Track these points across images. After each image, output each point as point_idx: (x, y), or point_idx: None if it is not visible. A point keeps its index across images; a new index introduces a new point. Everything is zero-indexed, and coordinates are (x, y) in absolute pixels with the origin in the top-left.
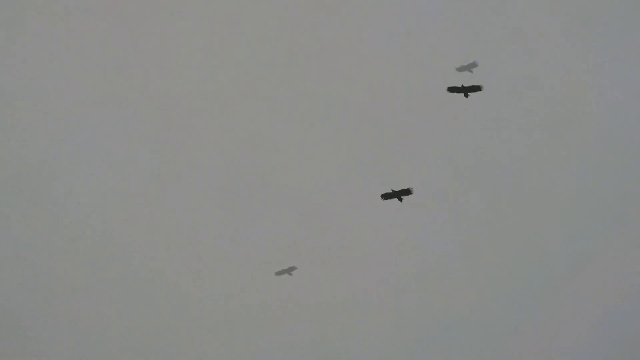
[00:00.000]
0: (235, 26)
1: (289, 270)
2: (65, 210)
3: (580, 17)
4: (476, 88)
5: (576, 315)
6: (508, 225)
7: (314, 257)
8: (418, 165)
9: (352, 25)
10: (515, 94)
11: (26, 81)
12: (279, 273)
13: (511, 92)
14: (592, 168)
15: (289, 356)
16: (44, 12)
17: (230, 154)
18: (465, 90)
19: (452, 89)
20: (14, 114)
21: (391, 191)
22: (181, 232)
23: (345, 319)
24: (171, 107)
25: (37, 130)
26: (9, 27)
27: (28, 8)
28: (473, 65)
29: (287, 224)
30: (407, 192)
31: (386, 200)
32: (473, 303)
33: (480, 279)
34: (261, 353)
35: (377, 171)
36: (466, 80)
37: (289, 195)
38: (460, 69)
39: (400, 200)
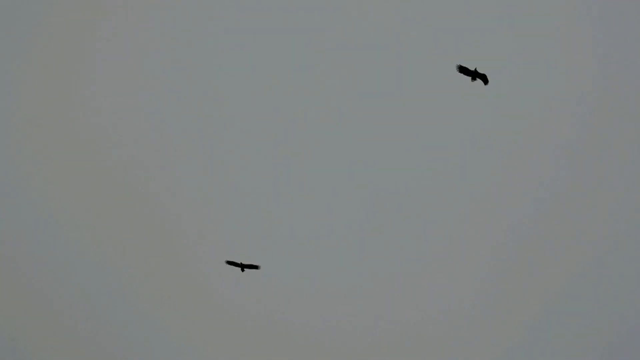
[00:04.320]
0: None
1: (246, 267)
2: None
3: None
4: (485, 79)
5: None
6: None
7: None
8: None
9: None
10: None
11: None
12: (230, 263)
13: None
14: None
15: None
16: None
17: None
18: (475, 75)
19: (462, 69)
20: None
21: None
22: None
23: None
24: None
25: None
26: None
27: None
28: (474, 73)
29: None
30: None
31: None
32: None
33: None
34: None
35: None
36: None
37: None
38: (463, 70)
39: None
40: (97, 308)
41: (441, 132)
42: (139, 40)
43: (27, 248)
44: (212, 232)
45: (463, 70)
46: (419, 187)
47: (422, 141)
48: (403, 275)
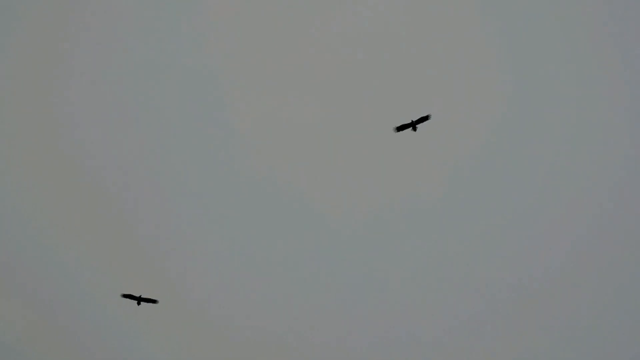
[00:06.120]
0: None
1: (143, 300)
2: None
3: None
4: (424, 118)
5: None
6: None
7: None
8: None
9: None
10: None
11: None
12: (126, 296)
13: None
14: None
15: None
16: None
17: None
18: (414, 124)
19: (400, 128)
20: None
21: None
22: None
23: None
24: None
25: None
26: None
27: None
28: (424, 119)
29: None
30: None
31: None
32: None
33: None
34: None
35: None
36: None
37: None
38: (402, 128)
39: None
40: (91, 323)
41: (443, 134)
42: (118, 45)
43: (13, 247)
44: (211, 241)
45: (401, 128)
46: (421, 192)
47: (428, 143)
48: (404, 287)
